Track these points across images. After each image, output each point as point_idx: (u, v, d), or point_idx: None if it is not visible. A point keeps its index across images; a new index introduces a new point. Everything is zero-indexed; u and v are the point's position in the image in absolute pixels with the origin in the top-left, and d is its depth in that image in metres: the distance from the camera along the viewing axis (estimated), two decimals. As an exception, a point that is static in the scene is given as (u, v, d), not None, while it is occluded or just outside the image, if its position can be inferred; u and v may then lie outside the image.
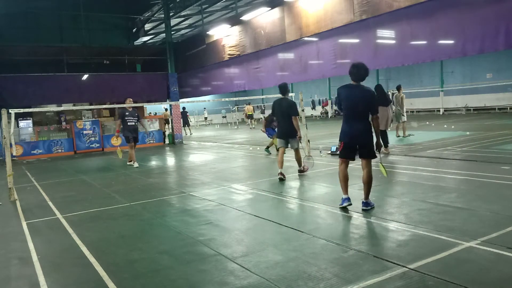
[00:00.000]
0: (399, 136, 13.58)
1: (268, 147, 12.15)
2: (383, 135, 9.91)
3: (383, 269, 3.38)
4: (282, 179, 7.71)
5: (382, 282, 3.15)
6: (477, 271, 3.30)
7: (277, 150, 8.34)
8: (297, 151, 8.10)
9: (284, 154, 8.02)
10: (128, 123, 11.24)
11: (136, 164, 11.26)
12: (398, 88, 14.06)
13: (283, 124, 7.88)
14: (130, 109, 11.29)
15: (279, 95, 8.08)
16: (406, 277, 3.21)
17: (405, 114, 13.57)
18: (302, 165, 8.28)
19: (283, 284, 3.24)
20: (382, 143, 6.35)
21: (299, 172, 8.27)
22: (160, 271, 3.74)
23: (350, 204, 5.30)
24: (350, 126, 5.22)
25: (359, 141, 5.17)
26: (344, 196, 5.33)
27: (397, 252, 3.73)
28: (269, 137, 11.90)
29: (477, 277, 3.18)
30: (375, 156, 5.22)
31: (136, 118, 11.34)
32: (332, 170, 8.62)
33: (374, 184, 5.45)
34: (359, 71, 5.19)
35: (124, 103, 11.44)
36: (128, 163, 11.61)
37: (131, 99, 11.45)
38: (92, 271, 3.84)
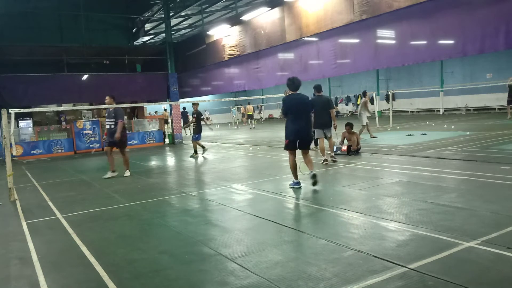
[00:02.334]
0: (374, 137, 13.88)
1: (196, 151, 12.93)
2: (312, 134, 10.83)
3: (383, 269, 3.37)
4: (327, 163, 9.23)
5: (382, 282, 3.15)
6: (477, 271, 3.30)
7: (315, 143, 10.10)
8: (330, 138, 9.64)
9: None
10: (106, 125, 9.94)
11: (110, 174, 9.64)
12: (364, 93, 14.25)
13: (322, 116, 9.34)
14: (111, 109, 9.79)
15: (281, 95, 8.50)
16: (406, 277, 3.21)
17: (364, 118, 13.75)
18: (332, 153, 9.65)
19: (283, 284, 3.24)
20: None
21: (330, 158, 9.47)
22: (160, 271, 3.74)
23: (300, 187, 6.70)
24: (296, 125, 6.64)
25: (301, 137, 6.68)
26: (296, 180, 6.80)
27: (397, 252, 3.73)
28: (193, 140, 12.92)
29: (477, 277, 3.18)
30: (310, 148, 6.97)
31: (112, 120, 9.61)
32: (332, 170, 8.62)
33: (371, 184, 6.08)
34: (294, 82, 6.76)
35: (124, 103, 11.35)
36: (106, 176, 9.63)
37: (110, 98, 9.84)
38: (92, 271, 3.84)
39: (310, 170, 6.72)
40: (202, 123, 13.19)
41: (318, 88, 9.79)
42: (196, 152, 12.94)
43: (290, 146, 6.77)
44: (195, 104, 13.16)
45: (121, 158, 10.02)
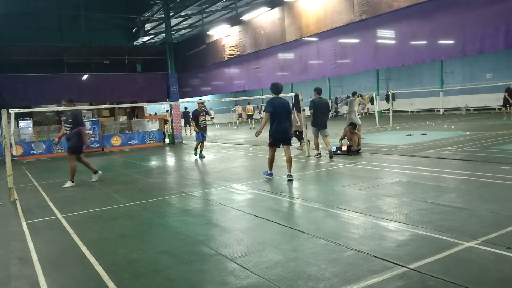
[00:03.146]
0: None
1: (201, 151, 12.61)
2: (300, 134, 11.90)
3: (383, 269, 3.37)
4: (320, 156, 10.30)
5: (382, 282, 3.15)
6: (477, 271, 3.30)
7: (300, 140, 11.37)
8: (327, 137, 10.45)
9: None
10: (64, 131, 9.00)
11: (96, 177, 9.18)
12: (354, 94, 14.17)
13: (321, 117, 10.34)
14: (69, 114, 8.96)
15: (281, 95, 8.60)
16: (406, 277, 3.21)
17: (355, 118, 13.09)
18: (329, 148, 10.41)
19: (283, 284, 3.24)
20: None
21: (327, 154, 10.26)
22: (160, 271, 3.74)
23: (272, 177, 7.90)
24: (279, 126, 7.61)
25: (284, 135, 7.69)
26: (269, 171, 7.96)
27: (397, 252, 3.73)
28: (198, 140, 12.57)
29: (477, 277, 3.18)
30: (291, 144, 7.93)
31: (69, 126, 8.74)
32: (332, 170, 8.62)
33: (371, 184, 6.13)
34: (277, 87, 7.84)
35: (124, 103, 11.28)
36: (93, 179, 9.26)
37: (66, 102, 9.10)
38: (92, 271, 3.84)
39: (289, 173, 7.67)
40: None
41: (319, 91, 10.59)
42: (198, 151, 12.70)
43: (273, 144, 7.82)
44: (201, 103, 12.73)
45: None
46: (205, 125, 12.59)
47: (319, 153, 10.46)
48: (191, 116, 13.27)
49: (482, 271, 3.29)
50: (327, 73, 13.32)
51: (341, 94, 36.30)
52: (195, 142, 13.14)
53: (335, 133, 13.10)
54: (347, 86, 35.35)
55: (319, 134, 10.47)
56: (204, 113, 12.55)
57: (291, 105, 9.46)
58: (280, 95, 7.90)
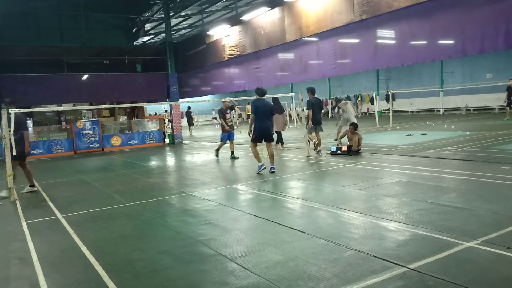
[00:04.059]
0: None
1: (232, 152, 11.86)
2: (279, 135, 13.18)
3: (383, 269, 3.38)
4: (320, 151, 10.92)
5: (382, 282, 3.15)
6: (477, 271, 3.30)
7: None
8: (319, 133, 11.27)
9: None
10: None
11: (29, 190, 8.37)
12: (347, 98, 14.32)
13: (318, 115, 11.11)
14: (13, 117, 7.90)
15: (279, 95, 9.26)
16: (406, 277, 3.21)
17: (353, 118, 13.01)
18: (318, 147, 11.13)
19: (283, 284, 3.24)
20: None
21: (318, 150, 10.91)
22: (160, 271, 3.74)
23: (265, 168, 8.54)
24: (262, 125, 8.50)
25: (266, 132, 8.59)
26: (260, 164, 8.60)
27: (397, 252, 3.73)
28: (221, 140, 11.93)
29: (477, 277, 3.18)
30: (273, 140, 8.99)
31: (13, 130, 7.76)
32: (332, 170, 8.62)
33: (371, 184, 6.32)
34: (262, 90, 8.75)
35: (124, 103, 11.16)
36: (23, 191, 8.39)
37: (8, 103, 8.37)
38: (92, 271, 3.84)
39: (272, 166, 8.62)
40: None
41: (313, 91, 11.17)
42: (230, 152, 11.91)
43: (255, 140, 8.72)
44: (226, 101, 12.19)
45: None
46: (231, 123, 11.98)
47: (317, 148, 11.00)
48: (217, 115, 12.41)
49: (482, 271, 3.29)
50: (327, 73, 13.30)
51: (341, 94, 36.30)
52: (194, 142, 12.98)
53: (335, 133, 13.08)
54: (347, 86, 35.36)
55: (316, 130, 11.21)
56: (229, 110, 11.96)
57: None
58: (264, 98, 8.84)
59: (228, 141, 11.96)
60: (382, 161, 9.26)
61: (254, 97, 8.98)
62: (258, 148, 8.87)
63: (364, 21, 10.52)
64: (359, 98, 34.07)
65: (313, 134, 11.22)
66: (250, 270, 3.58)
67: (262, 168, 8.57)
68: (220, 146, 12.18)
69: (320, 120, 11.24)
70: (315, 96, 11.20)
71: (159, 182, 8.82)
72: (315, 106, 11.06)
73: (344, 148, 10.56)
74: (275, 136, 11.60)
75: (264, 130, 8.56)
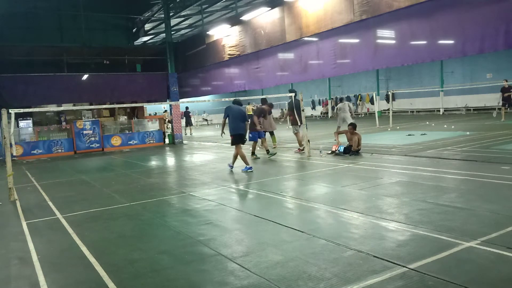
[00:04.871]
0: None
1: (269, 152, 11.24)
2: (272, 134, 13.53)
3: (383, 269, 3.38)
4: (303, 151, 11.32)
5: (382, 282, 3.15)
6: (477, 271, 3.30)
7: (252, 152, 11.54)
8: (298, 133, 12.03)
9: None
10: None
11: None
12: (348, 98, 14.54)
13: (300, 116, 11.41)
14: None
15: (280, 95, 9.46)
16: (406, 277, 3.21)
17: (350, 119, 13.67)
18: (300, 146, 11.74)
19: (283, 284, 3.24)
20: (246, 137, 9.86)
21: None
22: (160, 271, 3.74)
23: (252, 171, 8.92)
24: (234, 126, 9.20)
25: (237, 133, 9.18)
26: (247, 166, 9.03)
27: (397, 252, 3.73)
28: (251, 140, 11.43)
29: (477, 277, 3.19)
30: (244, 143, 9.46)
31: None
32: (332, 170, 8.62)
33: (371, 184, 6.30)
34: (238, 100, 9.67)
35: (124, 103, 11.12)
36: None
37: None
38: (92, 271, 3.84)
39: (231, 165, 9.33)
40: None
41: (295, 93, 11.66)
42: (268, 152, 11.31)
43: (234, 141, 9.26)
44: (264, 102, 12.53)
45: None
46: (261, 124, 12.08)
47: (302, 149, 11.54)
48: (256, 114, 12.18)
49: (482, 271, 3.29)
50: (327, 73, 13.31)
51: (341, 94, 36.30)
52: (194, 142, 12.95)
53: (330, 134, 13.08)
54: (347, 86, 35.35)
55: (299, 129, 11.91)
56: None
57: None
58: (237, 104, 9.60)
59: (259, 140, 11.86)
60: (382, 161, 9.26)
61: (255, 97, 9.17)
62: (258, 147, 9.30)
63: (364, 21, 10.52)
64: (359, 98, 34.07)
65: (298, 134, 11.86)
66: (250, 270, 3.58)
67: (249, 170, 8.94)
68: (254, 146, 11.65)
69: (301, 120, 11.43)
70: (297, 98, 11.48)
71: (159, 182, 8.82)
72: (296, 107, 11.45)
73: (334, 148, 10.72)
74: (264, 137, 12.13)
75: (237, 130, 9.21)
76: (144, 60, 20.98)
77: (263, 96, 12.95)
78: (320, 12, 11.79)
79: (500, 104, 19.14)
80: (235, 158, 9.35)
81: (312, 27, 12.14)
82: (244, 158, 9.11)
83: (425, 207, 5.16)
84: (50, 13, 18.94)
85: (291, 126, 12.18)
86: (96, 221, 5.76)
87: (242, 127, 9.34)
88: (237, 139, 9.25)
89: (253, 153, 11.46)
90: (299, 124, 11.60)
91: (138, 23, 22.72)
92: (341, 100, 15.89)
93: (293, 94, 11.62)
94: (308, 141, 11.00)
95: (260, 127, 11.72)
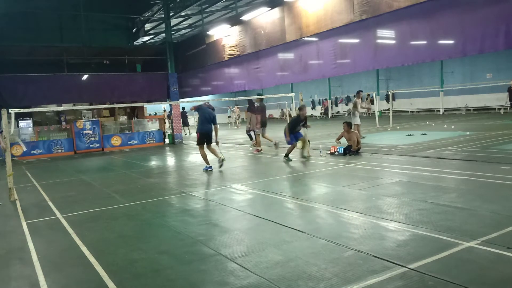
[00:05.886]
0: (363, 137, 13.51)
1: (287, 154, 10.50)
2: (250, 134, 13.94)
3: (383, 269, 3.38)
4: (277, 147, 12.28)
5: (382, 282, 3.15)
6: (477, 271, 3.30)
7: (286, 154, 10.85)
8: (266, 135, 13.04)
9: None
10: None
11: None
12: (358, 93, 14.36)
13: (264, 118, 12.75)
14: None
15: (279, 95, 9.28)
16: (406, 277, 3.21)
17: (357, 118, 13.68)
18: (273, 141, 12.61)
19: (283, 284, 3.24)
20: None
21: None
22: (160, 271, 3.75)
23: (212, 170, 9.49)
24: (203, 127, 9.79)
25: (206, 133, 9.76)
26: (208, 165, 9.61)
27: (397, 252, 3.73)
28: (289, 144, 10.63)
29: (477, 277, 3.19)
30: (211, 142, 9.93)
31: None
32: (332, 170, 8.62)
33: (371, 184, 6.37)
34: (211, 106, 10.16)
35: (124, 103, 11.16)
36: None
37: None
38: (92, 271, 3.84)
39: (219, 157, 9.61)
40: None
41: (261, 94, 12.85)
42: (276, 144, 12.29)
43: (199, 141, 9.84)
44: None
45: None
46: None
47: (276, 144, 12.35)
48: (259, 110, 12.82)
49: (482, 271, 3.29)
50: (327, 73, 13.31)
51: (341, 94, 36.29)
52: (194, 142, 13.01)
53: (335, 133, 13.08)
54: (347, 86, 35.33)
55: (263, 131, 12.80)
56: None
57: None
58: (209, 108, 10.18)
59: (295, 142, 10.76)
60: (382, 161, 9.26)
61: (254, 97, 9.03)
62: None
63: (364, 21, 10.52)
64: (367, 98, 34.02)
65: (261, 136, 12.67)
66: (250, 270, 3.58)
67: (209, 169, 9.53)
68: (293, 148, 10.72)
69: (266, 122, 12.80)
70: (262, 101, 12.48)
71: (159, 182, 8.82)
72: (263, 110, 12.56)
73: (333, 150, 10.69)
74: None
75: (205, 131, 9.82)
76: (144, 60, 20.98)
77: (250, 97, 13.53)
78: (320, 12, 11.79)
79: (509, 103, 19.07)
80: (204, 157, 9.75)
81: (312, 27, 12.15)
82: (205, 158, 9.70)
83: (425, 207, 5.16)
84: (50, 13, 18.92)
85: (259, 128, 12.76)
86: (96, 221, 5.76)
87: (210, 128, 9.93)
88: (203, 138, 9.82)
89: (289, 158, 10.48)
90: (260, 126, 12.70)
91: (138, 23, 22.72)
92: (359, 94, 14.62)
93: (264, 97, 12.79)
94: (308, 141, 11.00)
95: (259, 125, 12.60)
